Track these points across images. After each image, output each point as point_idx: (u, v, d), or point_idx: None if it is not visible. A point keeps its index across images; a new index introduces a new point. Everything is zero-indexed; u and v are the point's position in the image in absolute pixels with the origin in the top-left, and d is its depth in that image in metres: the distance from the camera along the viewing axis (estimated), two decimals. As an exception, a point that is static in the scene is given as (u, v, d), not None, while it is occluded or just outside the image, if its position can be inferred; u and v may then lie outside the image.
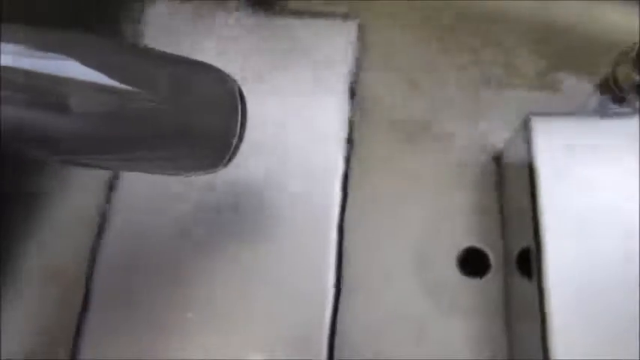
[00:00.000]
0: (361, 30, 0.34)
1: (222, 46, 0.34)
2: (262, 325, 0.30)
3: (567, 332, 0.28)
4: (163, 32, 0.35)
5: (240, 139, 0.26)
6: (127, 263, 0.32)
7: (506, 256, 0.36)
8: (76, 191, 0.39)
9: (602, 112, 0.36)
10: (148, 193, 0.32)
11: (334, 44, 0.34)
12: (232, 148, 0.26)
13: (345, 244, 0.32)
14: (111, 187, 0.32)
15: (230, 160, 0.26)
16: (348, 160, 0.32)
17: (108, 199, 0.32)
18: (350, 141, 0.32)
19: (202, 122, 0.24)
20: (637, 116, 0.32)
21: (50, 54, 0.18)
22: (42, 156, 0.22)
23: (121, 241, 0.32)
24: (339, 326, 0.31)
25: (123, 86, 0.20)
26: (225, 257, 0.31)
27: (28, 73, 0.18)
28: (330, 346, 0.29)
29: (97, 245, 0.32)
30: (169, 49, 0.34)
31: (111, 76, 0.20)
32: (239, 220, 0.32)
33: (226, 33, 0.34)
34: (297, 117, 0.31)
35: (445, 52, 0.40)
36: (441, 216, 0.38)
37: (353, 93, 0.33)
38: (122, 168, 0.25)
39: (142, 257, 0.31)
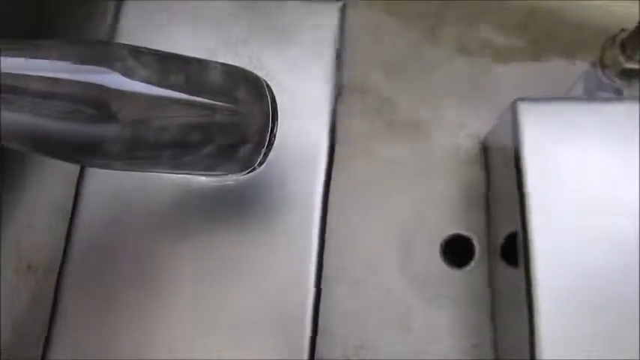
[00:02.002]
0: (345, 13, 0.33)
1: (204, 31, 0.33)
2: (242, 313, 0.29)
3: (555, 320, 0.28)
4: (142, 21, 0.33)
5: (273, 136, 0.26)
6: (99, 256, 0.31)
7: (491, 243, 0.36)
8: (52, 185, 0.38)
9: (589, 97, 0.35)
10: (117, 180, 0.31)
11: (318, 26, 0.33)
12: (266, 146, 0.26)
13: (328, 232, 0.31)
14: (79, 178, 0.31)
15: (265, 158, 0.27)
16: (332, 145, 0.31)
17: (76, 191, 0.31)
18: (334, 126, 0.32)
19: (246, 125, 0.25)
20: (622, 100, 0.32)
21: (94, 67, 0.19)
22: (83, 162, 0.23)
23: (92, 232, 0.31)
24: (323, 315, 0.30)
25: (169, 95, 0.21)
26: (203, 244, 0.30)
27: (73, 85, 0.19)
28: (312, 334, 0.29)
29: (67, 239, 0.30)
30: (150, 37, 0.33)
31: (154, 85, 0.21)
32: (217, 205, 0.31)
33: (207, 18, 0.33)
34: (281, 101, 0.30)
35: (429, 37, 0.40)
36: (425, 203, 0.37)
37: (336, 77, 0.32)
38: (166, 171, 0.26)
39: (114, 248, 0.31)
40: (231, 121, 0.24)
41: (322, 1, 0.33)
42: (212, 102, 0.23)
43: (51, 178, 0.39)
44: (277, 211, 0.31)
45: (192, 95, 0.22)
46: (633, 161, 0.31)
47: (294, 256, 0.30)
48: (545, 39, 0.39)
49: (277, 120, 0.26)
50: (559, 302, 0.28)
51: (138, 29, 0.33)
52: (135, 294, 0.30)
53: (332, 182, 0.32)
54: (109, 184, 0.31)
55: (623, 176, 0.30)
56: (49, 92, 0.18)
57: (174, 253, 0.30)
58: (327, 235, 0.31)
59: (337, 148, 0.33)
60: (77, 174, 0.32)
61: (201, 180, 0.31)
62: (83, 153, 0.21)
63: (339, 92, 0.32)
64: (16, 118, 0.18)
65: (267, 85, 0.26)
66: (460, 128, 0.38)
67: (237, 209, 0.31)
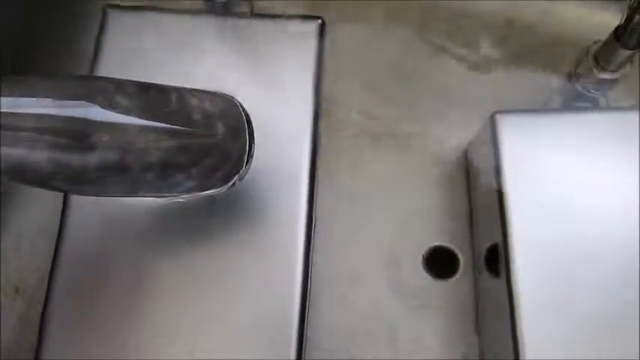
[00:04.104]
0: (324, 30, 0.34)
1: (186, 52, 0.34)
2: (228, 328, 0.29)
3: (536, 328, 0.28)
4: (125, 42, 0.34)
5: (250, 156, 0.27)
6: (85, 276, 0.31)
7: (475, 254, 0.36)
8: (39, 208, 0.38)
9: (566, 108, 0.36)
10: (102, 200, 0.31)
11: (297, 44, 0.33)
12: (244, 166, 0.27)
13: (315, 246, 0.32)
14: (64, 199, 0.31)
15: (244, 175, 0.28)
16: (314, 161, 0.32)
17: (62, 212, 0.31)
18: (316, 142, 0.32)
19: (224, 148, 0.26)
20: (599, 110, 0.33)
21: (77, 101, 0.20)
22: (68, 190, 0.24)
23: (78, 253, 0.31)
24: (310, 328, 0.31)
25: (147, 124, 0.22)
26: (190, 260, 0.30)
27: (55, 120, 0.20)
28: (298, 348, 0.29)
29: (54, 261, 0.31)
30: (131, 51, 0.33)
31: (133, 115, 0.22)
32: (203, 223, 0.31)
33: (189, 38, 0.34)
34: (262, 118, 0.31)
35: (409, 52, 0.40)
36: (410, 216, 0.38)
37: (317, 93, 0.32)
38: (146, 195, 0.27)
39: (101, 268, 0.31)
40: (209, 146, 0.25)
41: (301, 18, 0.34)
42: (189, 129, 0.24)
43: (38, 201, 0.39)
44: (262, 226, 0.31)
45: (171, 124, 0.24)
46: (612, 170, 0.31)
47: (281, 269, 0.30)
48: (523, 51, 0.40)
49: (254, 140, 0.27)
50: (540, 311, 0.29)
51: (121, 42, 0.34)
52: (122, 313, 0.30)
53: (317, 197, 0.33)
54: (94, 204, 0.31)
55: (602, 185, 0.31)
56: (38, 127, 0.20)
57: (161, 271, 0.30)
58: (313, 249, 0.31)
59: (321, 162, 0.33)
60: (63, 196, 0.32)
61: (187, 196, 0.31)
62: (68, 183, 0.22)
63: (319, 109, 0.33)
64: (6, 153, 0.19)
65: (241, 106, 0.27)
66: (443, 141, 0.39)
67: (223, 224, 0.31)
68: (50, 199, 0.37)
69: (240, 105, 0.27)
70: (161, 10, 0.35)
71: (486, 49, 0.40)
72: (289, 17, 0.34)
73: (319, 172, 0.33)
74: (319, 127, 0.33)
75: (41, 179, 0.21)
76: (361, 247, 0.37)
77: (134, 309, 0.30)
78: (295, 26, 0.34)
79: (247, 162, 0.27)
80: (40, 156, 0.20)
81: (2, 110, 0.19)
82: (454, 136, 0.38)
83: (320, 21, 0.34)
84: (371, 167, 0.38)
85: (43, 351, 0.29)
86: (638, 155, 0.31)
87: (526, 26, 0.40)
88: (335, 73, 0.38)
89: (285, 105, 0.32)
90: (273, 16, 0.34)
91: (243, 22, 0.34)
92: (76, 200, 0.31)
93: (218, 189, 0.28)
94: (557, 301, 0.29)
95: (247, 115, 0.27)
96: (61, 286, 0.30)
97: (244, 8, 0.36)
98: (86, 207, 0.31)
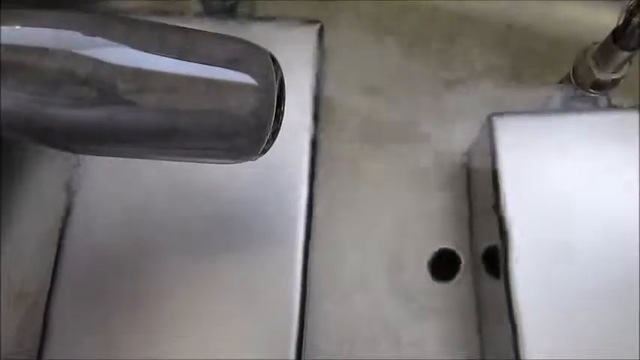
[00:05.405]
0: (323, 33, 0.34)
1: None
2: (228, 332, 0.30)
3: (536, 329, 0.28)
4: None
5: (278, 120, 0.23)
6: (87, 280, 0.31)
7: (475, 256, 0.36)
8: (40, 215, 0.38)
9: (564, 109, 0.36)
10: (104, 205, 0.31)
11: (296, 48, 0.33)
12: (269, 132, 0.23)
13: (316, 250, 0.32)
14: (67, 207, 0.32)
15: (269, 146, 0.24)
16: (313, 163, 0.32)
17: (65, 214, 0.31)
18: (314, 144, 0.32)
19: (240, 103, 0.21)
20: (598, 111, 0.33)
21: (91, 38, 0.17)
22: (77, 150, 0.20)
23: (80, 256, 0.31)
24: (311, 332, 0.31)
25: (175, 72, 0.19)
26: (190, 263, 0.31)
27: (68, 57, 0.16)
28: (297, 350, 0.29)
29: (56, 264, 0.31)
30: None
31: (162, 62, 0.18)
32: (203, 226, 0.31)
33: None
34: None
35: (409, 54, 0.40)
36: (412, 219, 0.37)
37: (316, 96, 0.33)
38: (157, 158, 0.23)
39: (102, 272, 0.31)
40: (234, 95, 0.21)
41: (300, 22, 0.34)
42: (212, 77, 0.21)
43: (40, 204, 0.39)
44: (262, 227, 0.31)
45: (191, 70, 0.20)
46: (611, 170, 0.31)
47: (280, 269, 0.30)
48: (523, 53, 0.40)
49: (284, 100, 0.23)
50: (540, 312, 0.29)
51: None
52: (122, 315, 0.30)
53: (318, 201, 0.33)
54: (97, 207, 0.32)
55: (602, 186, 0.31)
56: (47, 68, 0.16)
57: (162, 273, 0.31)
58: (314, 253, 0.32)
59: (322, 165, 0.33)
60: (65, 203, 0.32)
61: (187, 199, 0.31)
62: (80, 142, 0.18)
63: (318, 112, 0.33)
64: (16, 97, 0.16)
65: (274, 60, 0.23)
66: (444, 143, 0.39)
67: (222, 225, 0.31)
68: (52, 201, 0.38)
69: (273, 59, 0.23)
70: (164, 13, 0.35)
71: (486, 50, 0.40)
72: (289, 20, 0.34)
73: (319, 175, 0.33)
74: (319, 130, 0.33)
75: (53, 136, 0.17)
76: (362, 249, 0.37)
77: (134, 311, 0.30)
78: (295, 29, 0.34)
79: (277, 120, 0.22)
80: (51, 108, 0.16)
81: (3, 42, 0.15)
82: (455, 138, 0.38)
83: (319, 25, 0.34)
84: (371, 170, 0.38)
85: (44, 355, 0.30)
86: (637, 156, 0.31)
87: (526, 28, 0.40)
88: (336, 77, 0.38)
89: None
90: (274, 19, 0.34)
91: (243, 25, 0.34)
92: (78, 203, 0.32)
93: (247, 150, 0.23)
94: (556, 302, 0.29)
95: (281, 72, 0.23)
96: (63, 290, 0.31)
97: (245, 10, 0.36)
98: (89, 210, 0.31)
